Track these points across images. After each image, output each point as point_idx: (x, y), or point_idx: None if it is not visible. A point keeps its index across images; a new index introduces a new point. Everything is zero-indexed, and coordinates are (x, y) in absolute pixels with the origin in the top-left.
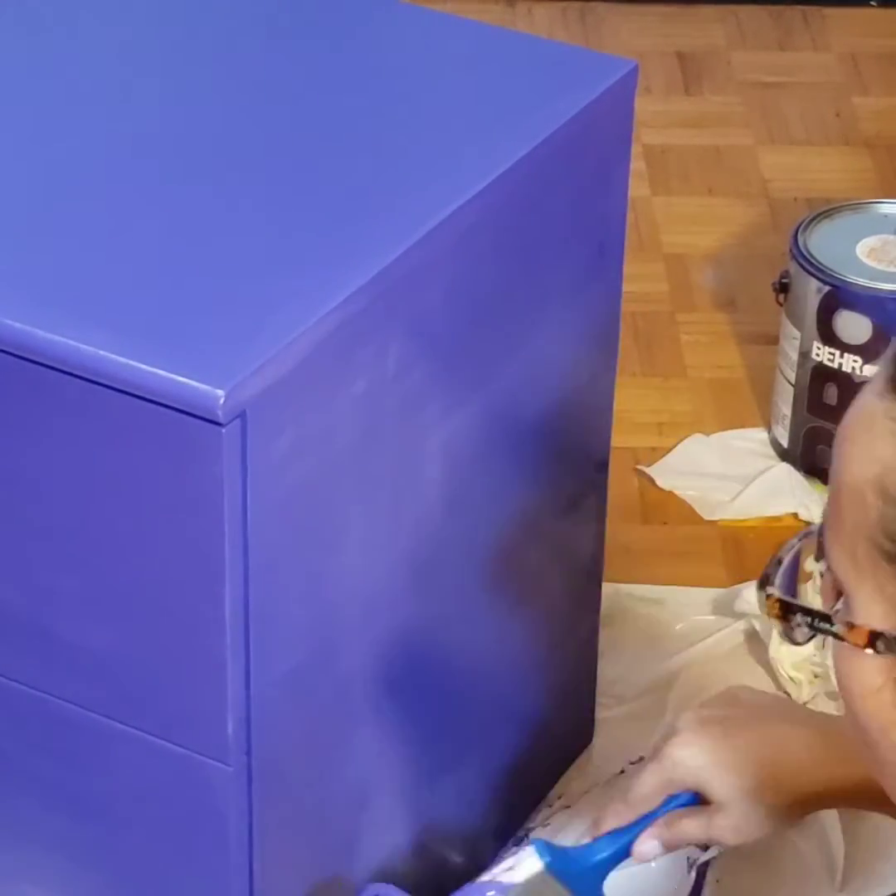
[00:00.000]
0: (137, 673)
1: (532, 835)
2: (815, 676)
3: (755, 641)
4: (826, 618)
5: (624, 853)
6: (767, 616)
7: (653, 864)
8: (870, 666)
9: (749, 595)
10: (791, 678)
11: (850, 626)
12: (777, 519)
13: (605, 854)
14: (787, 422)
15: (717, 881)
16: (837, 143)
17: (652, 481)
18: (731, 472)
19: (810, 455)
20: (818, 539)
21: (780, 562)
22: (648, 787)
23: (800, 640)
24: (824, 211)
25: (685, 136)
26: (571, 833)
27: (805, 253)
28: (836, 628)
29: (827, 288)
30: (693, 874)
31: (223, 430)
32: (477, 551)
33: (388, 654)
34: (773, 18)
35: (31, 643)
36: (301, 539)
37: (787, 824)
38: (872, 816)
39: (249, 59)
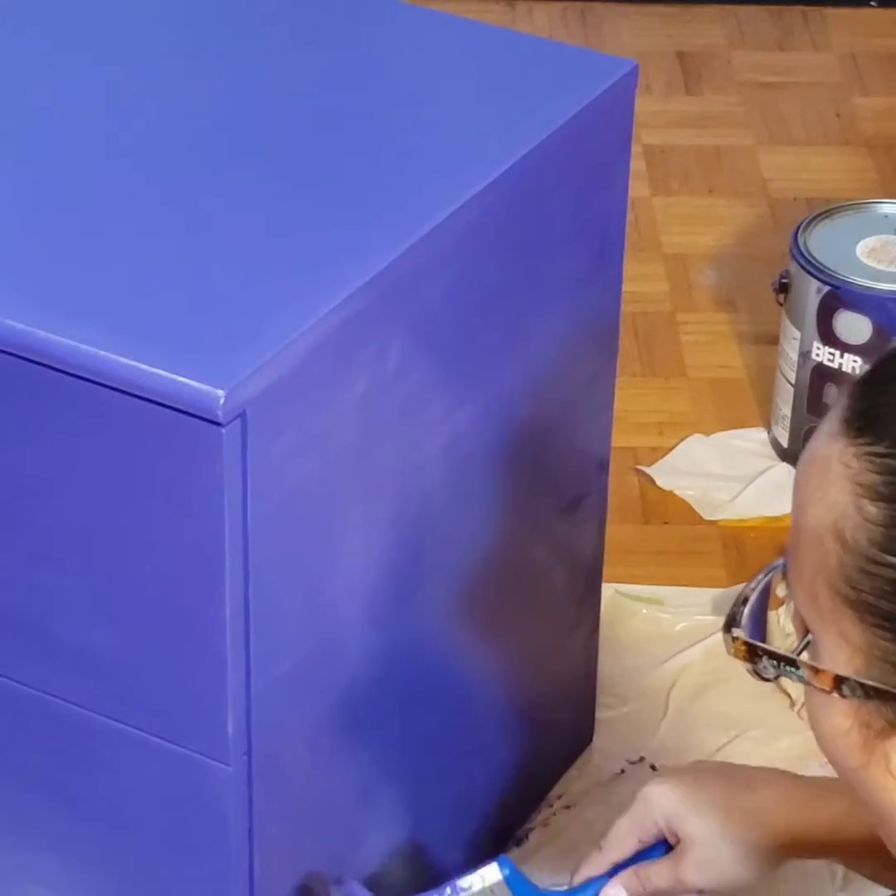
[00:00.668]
0: (138, 673)
1: (532, 835)
2: None
3: None
4: (791, 662)
5: None
6: (734, 656)
7: None
8: (837, 709)
9: None
10: None
11: (816, 670)
12: (777, 519)
13: None
14: (787, 422)
15: None
16: (837, 143)
17: (652, 481)
18: (731, 472)
19: None
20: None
21: (745, 600)
22: (622, 830)
23: (768, 677)
24: (824, 211)
25: (685, 136)
26: (571, 833)
27: (805, 253)
28: (802, 673)
29: (827, 288)
30: None
31: (223, 430)
32: (477, 551)
33: (387, 654)
34: (773, 18)
35: (31, 643)
36: (301, 539)
37: (768, 868)
38: None
39: (250, 60)
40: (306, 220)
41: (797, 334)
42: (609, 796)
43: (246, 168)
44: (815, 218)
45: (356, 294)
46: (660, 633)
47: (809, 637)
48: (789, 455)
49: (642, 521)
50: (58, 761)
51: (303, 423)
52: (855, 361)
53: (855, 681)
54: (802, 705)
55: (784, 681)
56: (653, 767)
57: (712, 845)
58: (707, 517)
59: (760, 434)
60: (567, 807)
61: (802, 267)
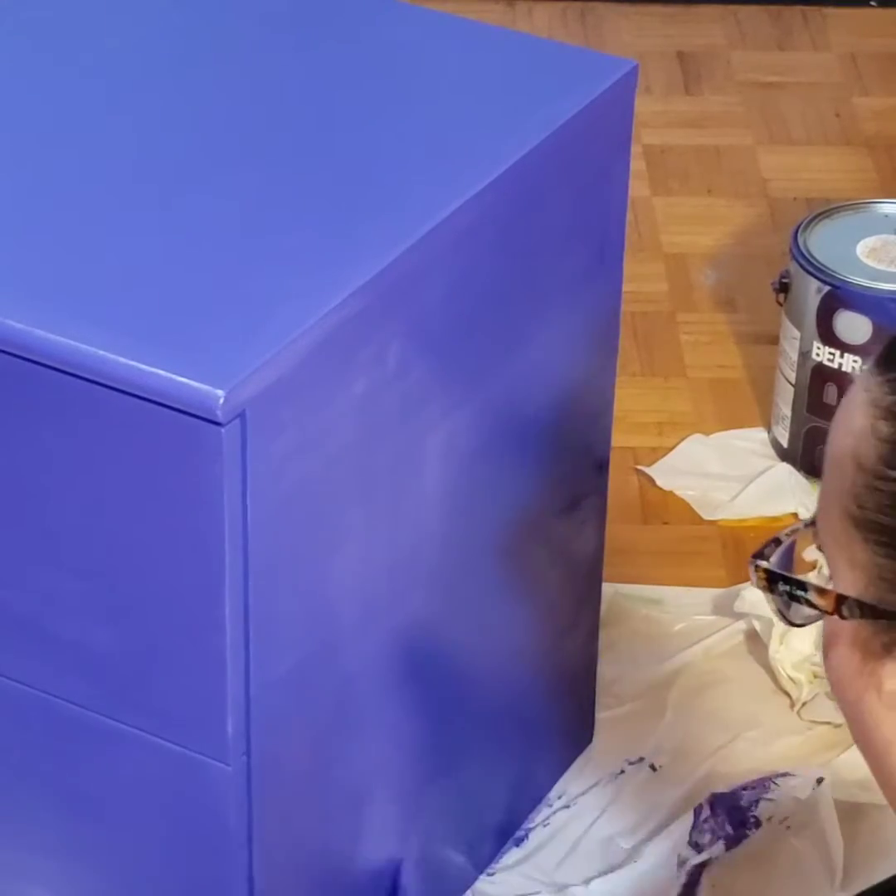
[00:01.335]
0: (137, 673)
1: (532, 835)
2: (815, 676)
3: (755, 641)
4: (802, 585)
5: None
6: (756, 587)
7: (639, 863)
8: (842, 635)
9: (749, 595)
10: (791, 678)
11: (821, 591)
12: (777, 519)
13: None
14: (787, 422)
15: (713, 886)
16: (837, 143)
17: (652, 481)
18: (731, 472)
19: (810, 455)
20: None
21: (778, 541)
22: None
23: (796, 620)
24: (824, 211)
25: (685, 136)
26: (571, 833)
27: (805, 253)
28: (810, 595)
29: (827, 288)
30: (683, 876)
31: (223, 430)
32: (477, 551)
33: (387, 654)
34: (772, 18)
35: (31, 643)
36: (301, 539)
37: None
38: (872, 815)
39: (250, 60)
40: (306, 219)
41: (797, 334)
42: (609, 796)
43: (246, 168)
44: (815, 218)
45: (356, 294)
46: (660, 633)
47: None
48: (789, 455)
49: (642, 521)
50: (58, 761)
51: (303, 423)
52: (855, 361)
53: (853, 600)
54: (803, 705)
55: (784, 681)
56: (653, 767)
57: None
58: (707, 517)
59: (760, 434)
60: (567, 807)
61: (802, 267)
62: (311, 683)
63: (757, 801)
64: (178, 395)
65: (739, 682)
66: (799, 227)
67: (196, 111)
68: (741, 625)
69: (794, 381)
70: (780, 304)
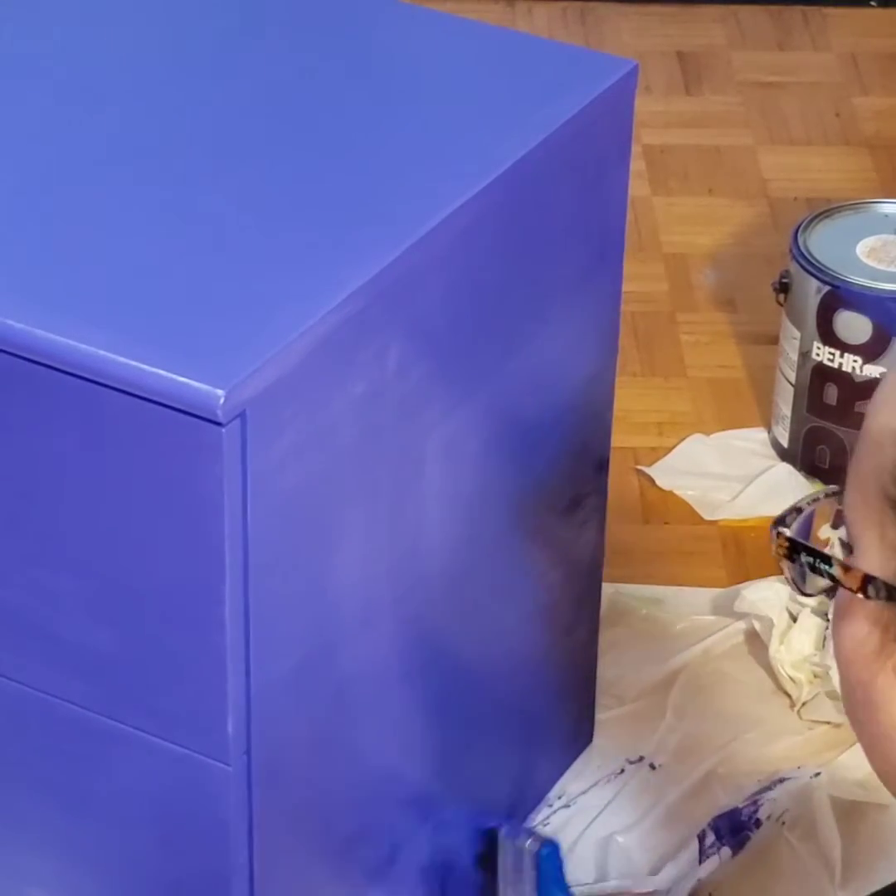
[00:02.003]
0: (138, 673)
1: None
2: (815, 676)
3: (755, 641)
4: (827, 560)
5: None
6: (775, 555)
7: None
8: (860, 612)
9: (749, 595)
10: (791, 678)
11: (846, 568)
12: None
13: None
14: (787, 422)
15: (713, 886)
16: (837, 143)
17: (652, 481)
18: (731, 472)
19: (810, 455)
20: (837, 507)
21: (799, 509)
22: None
23: (808, 591)
24: (824, 211)
25: (685, 136)
26: (571, 833)
27: (805, 253)
28: (834, 570)
29: (827, 288)
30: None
31: (223, 430)
32: (476, 551)
33: (387, 654)
34: (773, 18)
35: (31, 643)
36: (301, 539)
37: None
38: (871, 814)
39: (250, 60)
40: (306, 220)
41: (797, 334)
42: (609, 796)
43: (246, 168)
44: (815, 218)
45: (356, 294)
46: (660, 633)
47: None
48: (789, 455)
49: (642, 521)
50: (58, 761)
51: (302, 423)
52: (855, 361)
53: (881, 581)
54: (803, 705)
55: (784, 681)
56: (652, 767)
57: None
58: (707, 517)
59: (760, 434)
60: (567, 806)
61: (802, 267)
62: (311, 683)
63: (757, 807)
64: (178, 394)
65: (739, 682)
66: (799, 227)
67: (195, 111)
68: (741, 625)
69: (794, 381)
70: (780, 304)
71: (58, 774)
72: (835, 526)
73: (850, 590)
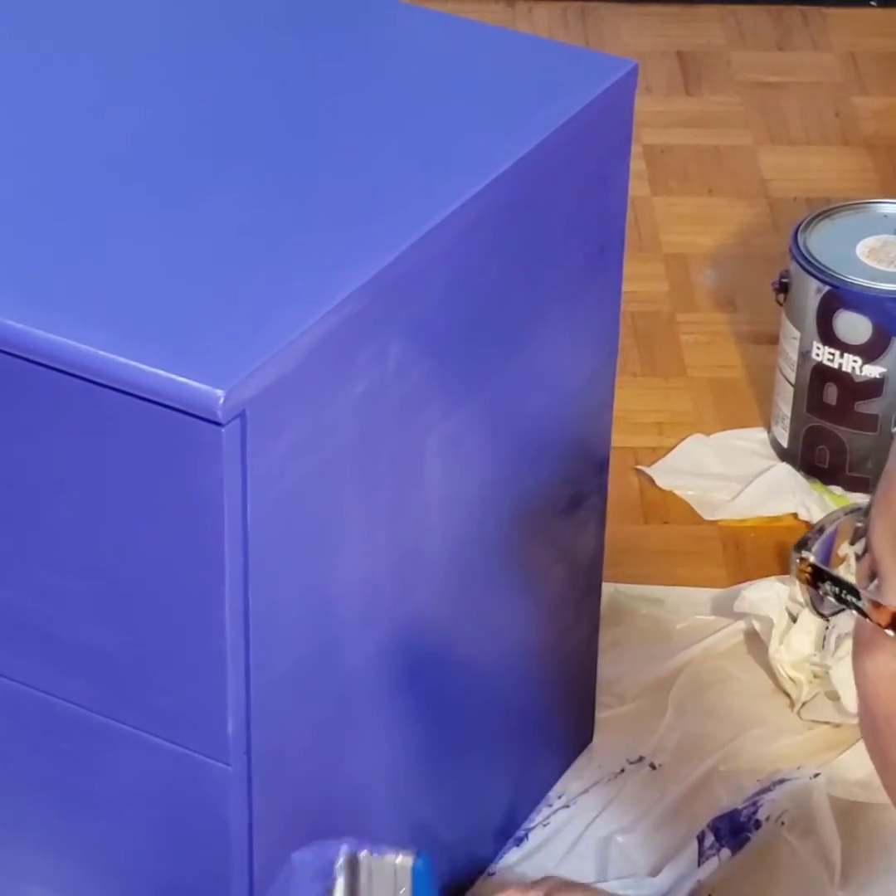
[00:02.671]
0: (138, 673)
1: (531, 834)
2: (815, 676)
3: (755, 641)
4: (854, 591)
5: None
6: (796, 579)
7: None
8: (888, 649)
9: (749, 595)
10: (791, 678)
11: (877, 604)
12: (777, 519)
13: None
14: (787, 422)
15: (713, 887)
16: (837, 143)
17: (652, 481)
18: (731, 472)
19: (810, 455)
20: (856, 523)
21: (821, 530)
22: None
23: (825, 612)
24: (824, 211)
25: (685, 136)
26: (571, 833)
27: (805, 253)
28: (863, 604)
29: (827, 288)
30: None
31: (223, 430)
32: (477, 551)
33: (387, 654)
34: (772, 18)
35: (31, 643)
36: (301, 538)
37: None
38: (871, 814)
39: (249, 59)
40: (306, 220)
41: (797, 334)
42: (609, 796)
43: (246, 168)
44: (815, 218)
45: (356, 294)
46: (660, 633)
47: (874, 584)
48: (789, 455)
49: (642, 521)
50: (58, 761)
51: (302, 423)
52: (855, 361)
53: None
54: (803, 705)
55: (784, 681)
56: (652, 767)
57: None
58: (707, 517)
59: (760, 434)
60: (567, 806)
61: (802, 267)
62: (311, 683)
63: (756, 808)
64: (178, 395)
65: (739, 682)
66: (799, 227)
67: (194, 111)
68: (741, 625)
69: (793, 381)
70: (780, 304)
71: (58, 774)
72: (852, 542)
73: (879, 625)
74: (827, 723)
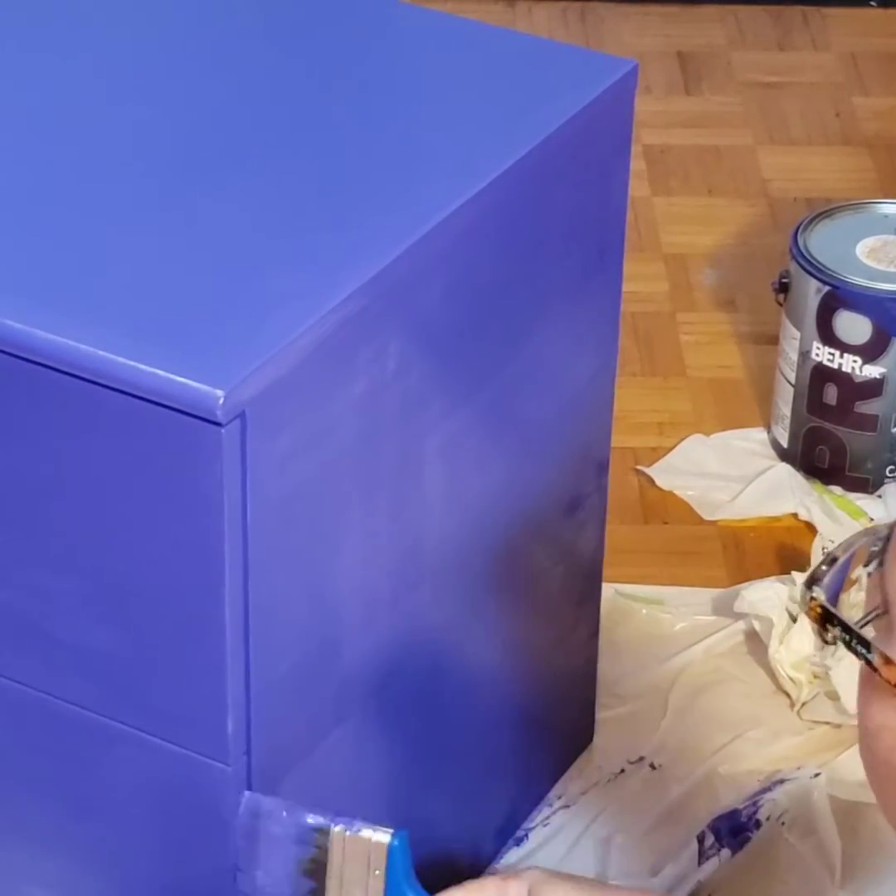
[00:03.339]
0: (137, 673)
1: (531, 835)
2: (815, 677)
3: (755, 641)
4: (864, 643)
5: None
6: (805, 614)
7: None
8: (890, 692)
9: (749, 595)
10: (791, 678)
11: (887, 660)
12: (777, 519)
13: None
14: (787, 422)
15: (713, 887)
16: (837, 143)
17: (652, 481)
18: (731, 472)
19: (810, 455)
20: (872, 548)
21: (833, 560)
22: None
23: (830, 641)
24: (824, 211)
25: (685, 136)
26: (571, 833)
27: (805, 253)
28: (872, 658)
29: (827, 288)
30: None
31: (223, 430)
32: (476, 551)
33: (387, 654)
34: (772, 18)
35: (31, 643)
36: (301, 538)
37: None
38: (871, 814)
39: (249, 59)
40: (306, 220)
41: (797, 334)
42: (609, 796)
43: (245, 168)
44: (815, 218)
45: (356, 294)
46: (660, 633)
47: (877, 611)
48: (789, 455)
49: (642, 521)
50: (58, 761)
51: (302, 423)
52: (855, 361)
53: None
54: (803, 705)
55: (784, 681)
56: (653, 767)
57: None
58: (707, 517)
59: (760, 434)
60: (567, 806)
61: (802, 267)
62: (311, 683)
63: (757, 808)
64: (178, 395)
65: (740, 682)
66: (799, 227)
67: (194, 111)
68: (741, 625)
69: (794, 381)
70: (780, 304)
71: (57, 774)
72: (866, 564)
73: (888, 682)
74: (827, 723)
